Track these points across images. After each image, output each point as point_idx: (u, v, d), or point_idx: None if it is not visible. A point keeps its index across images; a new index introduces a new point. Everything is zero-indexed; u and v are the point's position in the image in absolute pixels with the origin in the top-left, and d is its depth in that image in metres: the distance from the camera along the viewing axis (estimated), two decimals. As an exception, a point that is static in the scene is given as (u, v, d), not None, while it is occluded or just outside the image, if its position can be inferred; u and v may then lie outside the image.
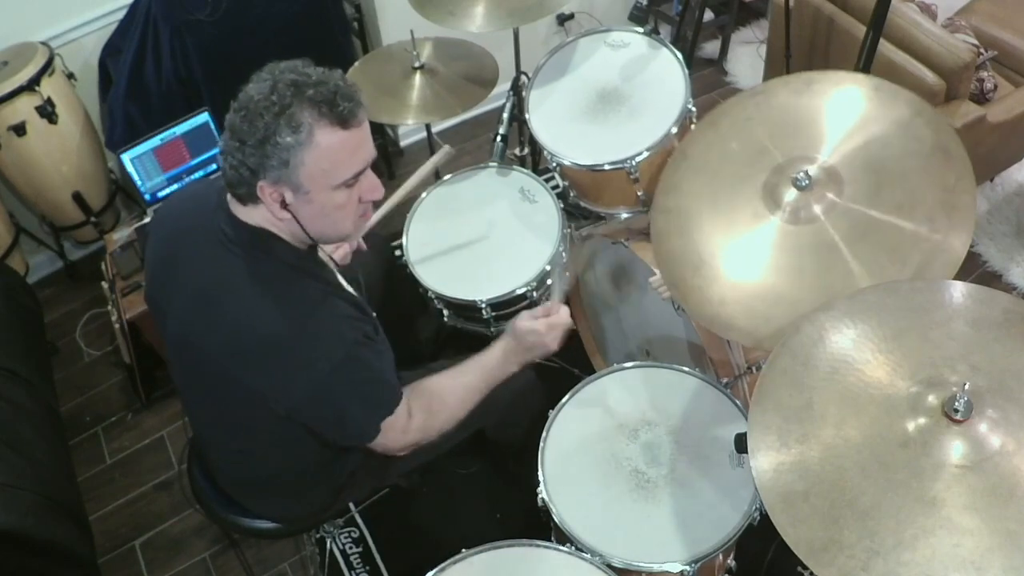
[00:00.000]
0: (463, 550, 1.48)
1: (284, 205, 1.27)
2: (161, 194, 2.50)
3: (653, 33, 2.12)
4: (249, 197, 1.29)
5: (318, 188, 1.27)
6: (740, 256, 1.47)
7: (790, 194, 1.45)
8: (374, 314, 1.52)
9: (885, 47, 2.29)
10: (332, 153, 1.24)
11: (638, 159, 1.92)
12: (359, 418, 1.41)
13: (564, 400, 1.70)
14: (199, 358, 1.40)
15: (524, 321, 1.54)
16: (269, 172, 1.24)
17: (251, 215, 1.32)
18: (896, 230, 1.37)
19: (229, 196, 1.33)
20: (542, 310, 1.56)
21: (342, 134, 1.24)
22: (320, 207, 1.29)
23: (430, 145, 2.50)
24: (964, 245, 1.33)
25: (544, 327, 1.53)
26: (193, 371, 1.47)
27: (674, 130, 1.93)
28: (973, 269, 2.68)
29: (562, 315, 1.56)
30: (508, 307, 2.02)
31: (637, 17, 2.11)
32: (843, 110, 1.51)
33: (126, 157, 2.41)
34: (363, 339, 1.37)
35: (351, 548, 2.19)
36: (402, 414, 1.43)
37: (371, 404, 1.41)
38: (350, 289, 1.51)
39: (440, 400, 1.51)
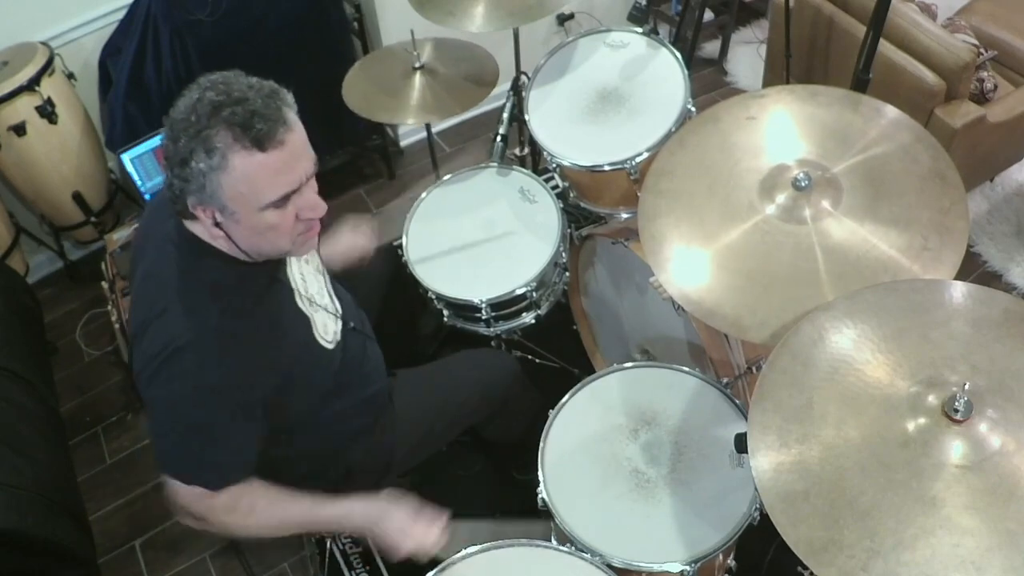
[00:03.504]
0: (463, 550, 1.48)
1: (217, 223, 1.26)
2: (161, 194, 2.50)
3: (652, 33, 2.12)
4: (186, 214, 1.28)
5: (244, 210, 1.24)
6: (729, 246, 1.46)
7: (787, 194, 1.46)
8: (328, 345, 1.48)
9: (885, 47, 2.29)
10: (249, 177, 1.20)
11: (638, 159, 1.92)
12: (167, 447, 1.35)
13: (564, 400, 1.70)
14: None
15: (403, 515, 1.49)
16: (193, 194, 1.22)
17: (194, 227, 1.31)
18: (877, 257, 1.38)
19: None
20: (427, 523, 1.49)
21: (259, 157, 1.19)
22: (250, 227, 1.26)
23: (430, 145, 2.50)
24: (956, 263, 1.34)
25: (411, 534, 1.47)
26: None
27: (674, 131, 1.93)
28: (973, 269, 2.68)
29: (430, 536, 1.47)
30: (508, 307, 2.02)
31: (636, 17, 2.11)
32: (844, 126, 1.53)
33: (126, 157, 2.41)
34: (230, 394, 1.30)
35: (351, 548, 2.19)
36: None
37: (186, 449, 1.33)
38: (305, 310, 1.46)
39: (250, 506, 1.41)
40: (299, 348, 1.42)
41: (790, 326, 1.30)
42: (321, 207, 1.31)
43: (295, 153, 1.24)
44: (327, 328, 1.50)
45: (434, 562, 1.46)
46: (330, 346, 1.50)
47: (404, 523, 1.48)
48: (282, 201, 1.25)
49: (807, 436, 1.15)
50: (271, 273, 1.41)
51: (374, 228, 1.86)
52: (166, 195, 1.39)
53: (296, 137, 1.23)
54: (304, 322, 1.45)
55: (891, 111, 1.53)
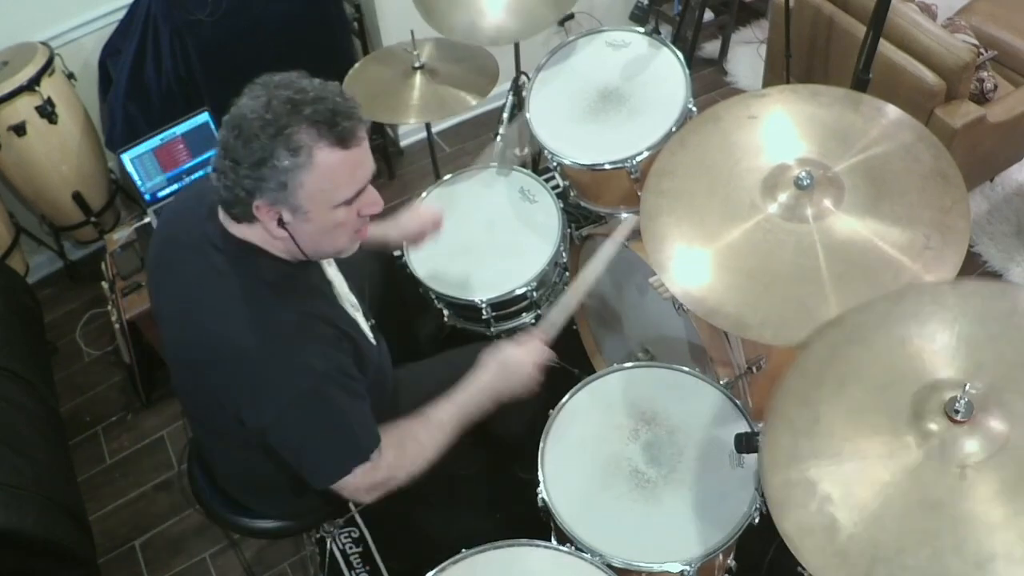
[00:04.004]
0: (463, 550, 1.48)
1: (281, 223, 1.25)
2: (161, 194, 2.50)
3: (654, 33, 2.12)
4: (244, 216, 1.27)
5: (318, 208, 1.24)
6: (730, 244, 1.46)
7: (789, 191, 1.46)
8: (371, 338, 1.50)
9: (885, 47, 2.29)
10: (332, 174, 1.22)
11: (639, 159, 1.92)
12: (317, 458, 1.37)
13: (564, 400, 1.70)
14: (183, 365, 1.41)
15: (509, 348, 1.53)
16: (266, 194, 1.21)
17: (243, 231, 1.31)
18: (879, 256, 1.38)
19: (222, 211, 1.31)
20: (527, 338, 1.56)
21: (342, 154, 1.21)
22: (319, 226, 1.27)
23: (430, 145, 2.50)
24: (957, 263, 1.34)
25: (527, 354, 1.53)
26: (179, 373, 1.47)
27: (675, 130, 1.93)
28: (973, 269, 2.68)
29: (543, 348, 1.55)
30: (508, 307, 2.02)
31: (638, 17, 2.11)
32: (846, 126, 1.52)
33: (126, 157, 2.41)
34: (336, 374, 1.33)
35: (351, 548, 2.19)
36: (369, 461, 1.38)
37: (332, 447, 1.36)
38: (347, 307, 1.48)
39: (414, 437, 1.46)
40: (355, 341, 1.43)
41: (792, 325, 1.30)
42: (380, 203, 1.33)
43: (366, 149, 1.27)
44: (362, 324, 1.51)
45: (434, 561, 1.46)
46: (373, 341, 1.51)
47: (519, 359, 1.54)
48: (354, 198, 1.27)
49: (816, 452, 1.14)
50: (317, 273, 1.44)
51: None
52: (197, 193, 1.39)
53: (367, 135, 1.27)
54: (350, 317, 1.47)
55: (892, 110, 1.53)
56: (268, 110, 1.18)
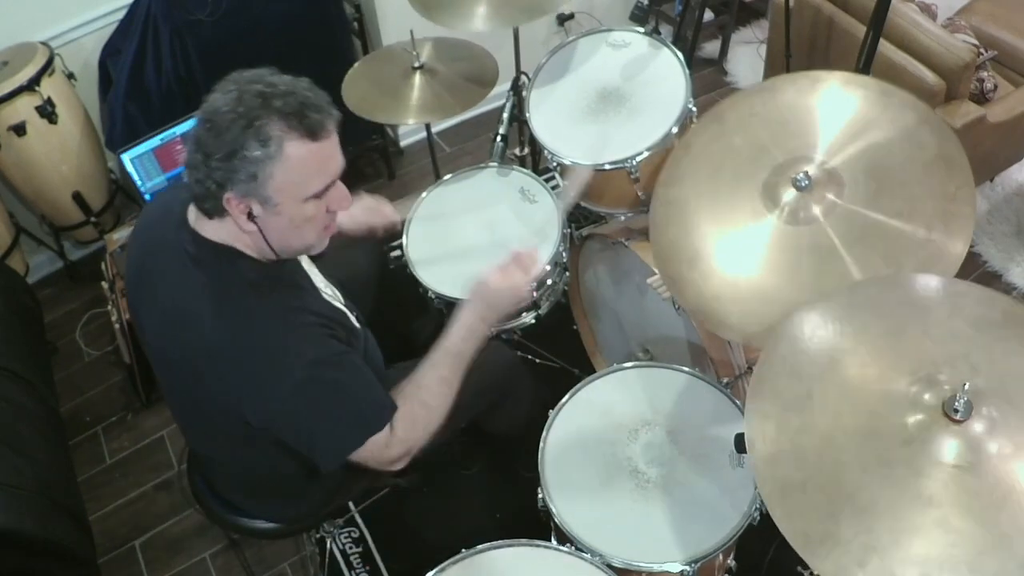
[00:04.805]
0: (463, 550, 1.48)
1: (251, 217, 1.26)
2: (161, 194, 2.50)
3: (654, 33, 2.12)
4: (215, 211, 1.27)
5: (287, 201, 1.25)
6: (737, 253, 1.46)
7: (789, 194, 1.45)
8: (356, 324, 1.50)
9: (885, 47, 2.29)
10: (302, 166, 1.23)
11: (639, 159, 1.92)
12: (328, 440, 1.37)
13: (564, 400, 1.70)
14: (173, 370, 1.41)
15: (492, 274, 1.52)
16: (237, 185, 1.22)
17: (215, 230, 1.31)
18: (895, 233, 1.37)
19: (193, 211, 1.31)
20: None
21: (312, 146, 1.22)
22: (288, 220, 1.27)
23: (430, 145, 2.50)
24: (962, 251, 1.34)
25: (503, 278, 1.51)
26: (171, 382, 1.47)
27: (675, 130, 1.93)
28: (973, 269, 2.68)
29: (521, 261, 1.54)
30: (508, 307, 2.02)
31: (638, 17, 2.11)
32: (848, 112, 1.50)
33: (126, 157, 2.41)
34: (329, 356, 1.34)
35: (351, 548, 2.20)
36: (383, 432, 1.39)
37: (341, 427, 1.37)
38: (327, 296, 1.48)
39: (420, 403, 1.45)
40: (343, 325, 1.43)
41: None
42: (349, 199, 1.34)
43: (335, 144, 1.28)
44: (348, 313, 1.51)
45: (435, 561, 1.46)
46: (359, 326, 1.52)
47: (503, 282, 1.52)
48: (323, 192, 1.28)
49: (805, 426, 1.15)
50: (295, 267, 1.44)
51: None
52: (166, 202, 1.40)
53: (336, 129, 1.27)
54: (333, 306, 1.47)
55: (895, 91, 1.49)
56: (240, 103, 1.19)
